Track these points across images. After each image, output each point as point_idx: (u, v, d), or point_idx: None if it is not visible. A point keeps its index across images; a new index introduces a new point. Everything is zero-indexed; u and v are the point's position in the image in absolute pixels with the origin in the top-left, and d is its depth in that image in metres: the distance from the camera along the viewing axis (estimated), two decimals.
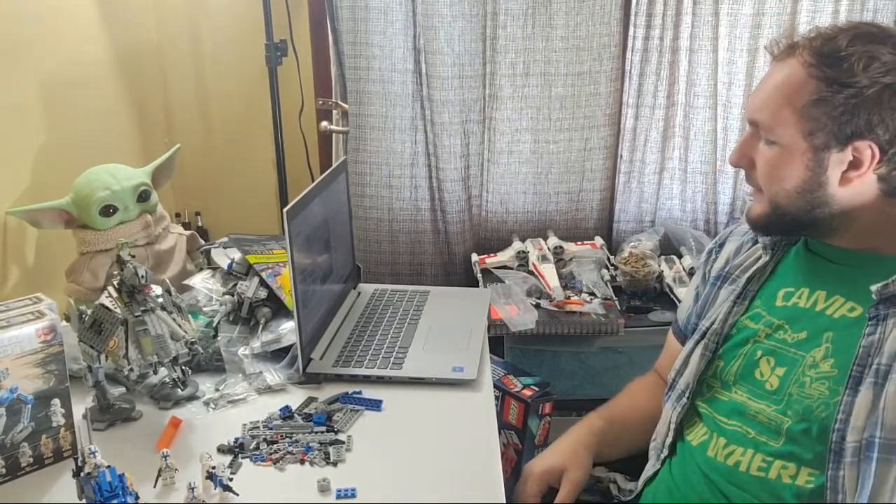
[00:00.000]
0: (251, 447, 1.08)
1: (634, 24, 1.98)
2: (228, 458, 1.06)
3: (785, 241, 1.13)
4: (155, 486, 0.99)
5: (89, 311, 1.13)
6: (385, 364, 1.28)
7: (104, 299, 1.13)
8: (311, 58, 2.13)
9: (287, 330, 1.35)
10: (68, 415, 1.06)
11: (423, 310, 1.49)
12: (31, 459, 1.03)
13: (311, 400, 1.20)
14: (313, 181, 1.49)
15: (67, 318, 1.15)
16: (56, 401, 1.04)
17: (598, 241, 2.05)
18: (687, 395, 1.15)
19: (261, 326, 1.37)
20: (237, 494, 0.98)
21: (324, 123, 2.11)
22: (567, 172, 2.07)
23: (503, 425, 1.51)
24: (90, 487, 0.87)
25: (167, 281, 1.20)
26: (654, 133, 2.06)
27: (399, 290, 1.58)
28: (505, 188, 2.09)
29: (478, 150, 2.06)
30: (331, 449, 1.06)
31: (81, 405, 1.13)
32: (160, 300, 1.15)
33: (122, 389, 1.22)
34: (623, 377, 1.41)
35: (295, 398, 1.21)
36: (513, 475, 1.41)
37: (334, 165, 1.52)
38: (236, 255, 1.50)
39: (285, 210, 1.18)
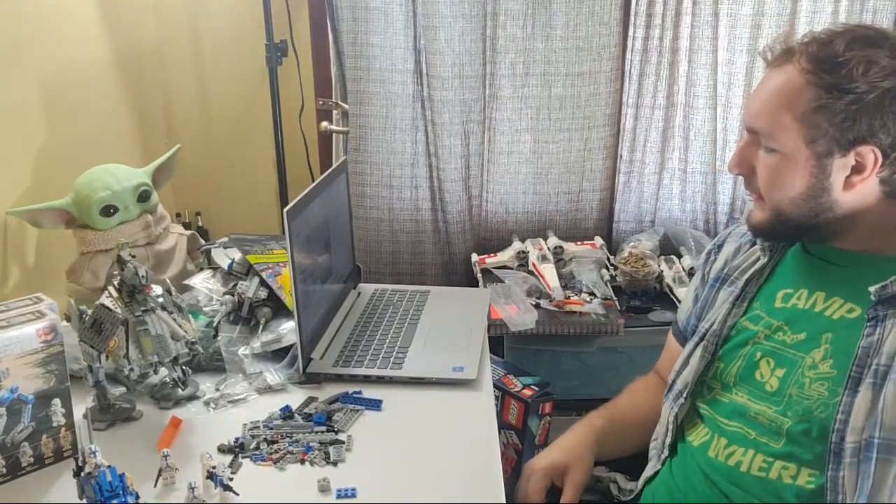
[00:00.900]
0: (251, 447, 1.08)
1: (634, 25, 1.98)
2: (229, 458, 1.06)
3: (783, 242, 1.13)
4: (155, 486, 0.99)
5: (90, 311, 1.13)
6: (385, 364, 1.28)
7: (104, 299, 1.13)
8: (311, 58, 2.13)
9: (287, 330, 1.35)
10: (69, 415, 1.06)
11: (423, 310, 1.49)
12: (32, 459, 1.03)
13: (311, 400, 1.20)
14: (313, 181, 1.49)
15: (68, 318, 1.15)
16: (56, 401, 1.04)
17: (598, 241, 2.05)
18: (685, 395, 1.15)
19: (261, 326, 1.37)
20: (237, 494, 0.98)
21: (324, 123, 2.11)
22: (567, 172, 2.07)
23: (503, 425, 1.51)
24: (90, 487, 0.87)
25: (167, 281, 1.20)
26: (653, 133, 2.07)
27: (399, 290, 1.58)
28: (505, 188, 2.09)
29: (478, 151, 2.06)
30: (331, 449, 1.06)
31: (82, 405, 1.13)
32: (160, 300, 1.15)
33: (123, 389, 1.22)
34: (623, 377, 1.41)
35: (295, 398, 1.21)
36: (513, 475, 1.41)
37: (334, 165, 1.52)
38: (236, 255, 1.50)
39: (285, 210, 1.18)
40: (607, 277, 1.90)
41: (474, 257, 2.03)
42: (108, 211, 1.49)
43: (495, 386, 1.42)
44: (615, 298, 1.82)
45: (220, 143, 2.23)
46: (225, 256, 1.53)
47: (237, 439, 1.09)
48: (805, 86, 0.97)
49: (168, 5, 2.10)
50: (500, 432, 1.37)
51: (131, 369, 1.10)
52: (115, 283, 1.14)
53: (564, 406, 1.62)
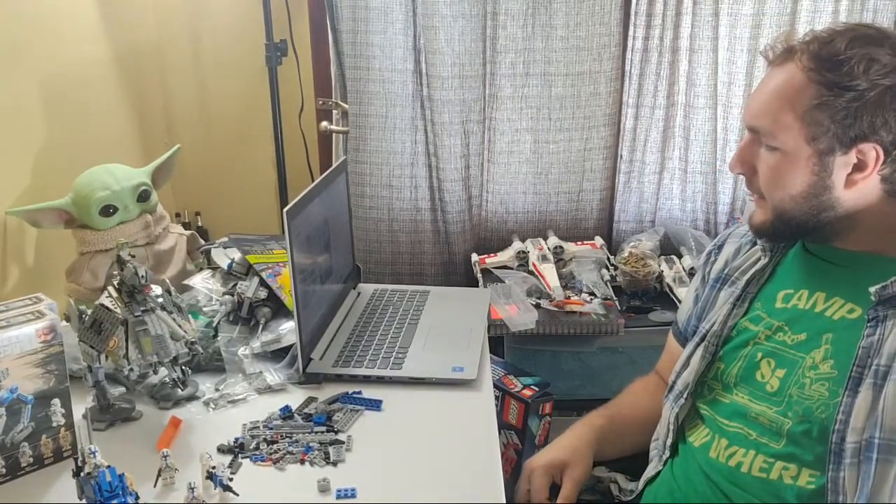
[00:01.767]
0: (251, 447, 1.08)
1: (634, 24, 1.98)
2: (228, 458, 1.06)
3: (784, 243, 1.13)
4: (155, 486, 0.99)
5: (89, 311, 1.13)
6: (385, 364, 1.28)
7: (104, 299, 1.13)
8: (311, 58, 2.13)
9: (287, 330, 1.35)
10: (68, 415, 1.06)
11: (423, 310, 1.49)
12: (31, 459, 1.03)
13: (311, 400, 1.20)
14: (313, 181, 1.49)
15: (67, 318, 1.15)
16: (56, 401, 1.04)
17: (598, 241, 2.05)
18: (685, 395, 1.15)
19: (261, 326, 1.37)
20: (237, 494, 0.98)
21: (324, 123, 2.11)
22: (567, 172, 2.07)
23: (503, 425, 1.51)
24: (90, 487, 0.87)
25: (167, 281, 1.20)
26: (654, 133, 2.07)
27: (399, 290, 1.58)
28: (505, 188, 2.09)
29: (478, 150, 2.06)
30: (331, 449, 1.06)
31: (81, 405, 1.13)
32: (160, 300, 1.15)
33: (122, 389, 1.22)
34: (623, 377, 1.41)
35: (295, 398, 1.21)
36: (513, 475, 1.41)
37: (334, 165, 1.52)
38: (236, 255, 1.50)
39: (285, 210, 1.18)
40: (607, 277, 1.90)
41: (474, 257, 2.03)
42: (108, 211, 1.49)
43: (495, 386, 1.42)
44: (615, 298, 1.82)
45: (220, 143, 2.23)
46: (225, 256, 1.53)
47: (237, 439, 1.09)
48: (806, 84, 0.97)
49: (168, 5, 2.10)
50: (500, 432, 1.37)
51: (131, 369, 1.10)
52: (115, 283, 1.14)
53: (564, 406, 1.62)
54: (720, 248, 1.24)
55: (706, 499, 1.08)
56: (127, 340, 1.09)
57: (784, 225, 1.04)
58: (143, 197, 1.54)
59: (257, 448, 1.08)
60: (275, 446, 1.08)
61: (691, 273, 1.87)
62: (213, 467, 0.98)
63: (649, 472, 1.19)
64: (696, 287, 1.26)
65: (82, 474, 0.89)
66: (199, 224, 2.22)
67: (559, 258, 1.95)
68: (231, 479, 0.99)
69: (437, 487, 1.01)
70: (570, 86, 1.99)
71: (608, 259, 1.98)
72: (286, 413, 1.16)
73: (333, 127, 2.10)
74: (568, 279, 1.89)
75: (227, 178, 2.25)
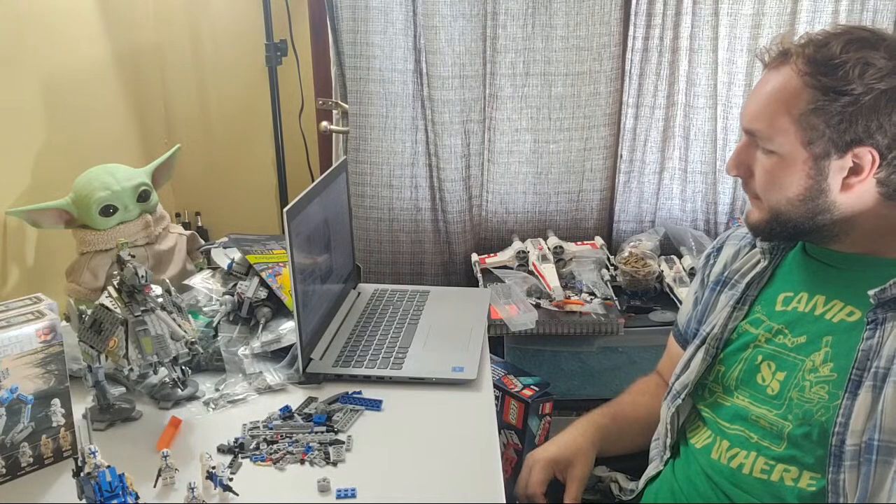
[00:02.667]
0: (251, 447, 1.08)
1: (634, 24, 1.98)
2: (228, 458, 1.06)
3: (783, 245, 1.13)
4: (155, 486, 0.99)
5: (89, 311, 1.13)
6: (385, 364, 1.28)
7: (104, 299, 1.13)
8: (311, 58, 2.13)
9: (287, 330, 1.35)
10: (68, 415, 1.06)
11: (423, 310, 1.49)
12: (31, 459, 1.03)
13: (311, 400, 1.20)
14: (313, 181, 1.49)
15: (67, 318, 1.15)
16: (56, 401, 1.04)
17: (598, 241, 2.05)
18: (682, 396, 1.15)
19: (261, 326, 1.37)
20: (237, 494, 0.98)
21: (324, 123, 2.11)
22: (567, 172, 2.07)
23: (503, 425, 1.51)
24: (90, 487, 0.87)
25: (167, 281, 1.20)
26: (654, 133, 2.06)
27: (399, 290, 1.58)
28: (505, 188, 2.09)
29: (478, 150, 2.06)
30: (331, 449, 1.06)
31: (81, 405, 1.13)
32: (160, 300, 1.15)
33: (122, 389, 1.22)
34: (623, 377, 1.41)
35: (295, 398, 1.21)
36: (513, 475, 1.41)
37: (334, 165, 1.52)
38: (236, 255, 1.50)
39: (285, 210, 1.18)
40: (607, 277, 1.90)
41: (474, 257, 2.03)
42: (108, 211, 1.49)
43: (495, 386, 1.42)
44: (615, 298, 1.82)
45: (220, 143, 2.23)
46: (225, 256, 1.53)
47: (237, 439, 1.09)
48: (802, 88, 0.97)
49: (168, 5, 2.10)
50: (500, 432, 1.37)
51: (131, 369, 1.10)
52: (115, 283, 1.14)
53: (564, 406, 1.62)
54: (719, 250, 1.24)
55: (707, 499, 1.08)
56: (127, 340, 1.09)
57: (780, 226, 1.04)
58: (143, 197, 1.54)
59: (257, 448, 1.08)
60: (275, 446, 1.08)
61: (691, 273, 1.87)
62: (213, 467, 0.98)
63: (650, 471, 1.19)
64: (695, 290, 1.26)
65: (82, 474, 0.89)
66: (199, 224, 2.22)
67: (559, 258, 1.95)
68: (231, 479, 0.99)
69: (437, 487, 1.01)
70: (570, 86, 1.99)
71: (608, 259, 1.98)
72: (286, 413, 1.16)
73: (333, 127, 2.10)
74: (568, 279, 1.89)
75: (227, 178, 2.25)
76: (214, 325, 1.36)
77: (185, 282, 1.52)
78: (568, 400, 1.71)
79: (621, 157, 2.10)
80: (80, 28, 1.80)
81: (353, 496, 0.98)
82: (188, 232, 1.71)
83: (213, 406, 1.19)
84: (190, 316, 1.22)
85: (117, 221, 1.52)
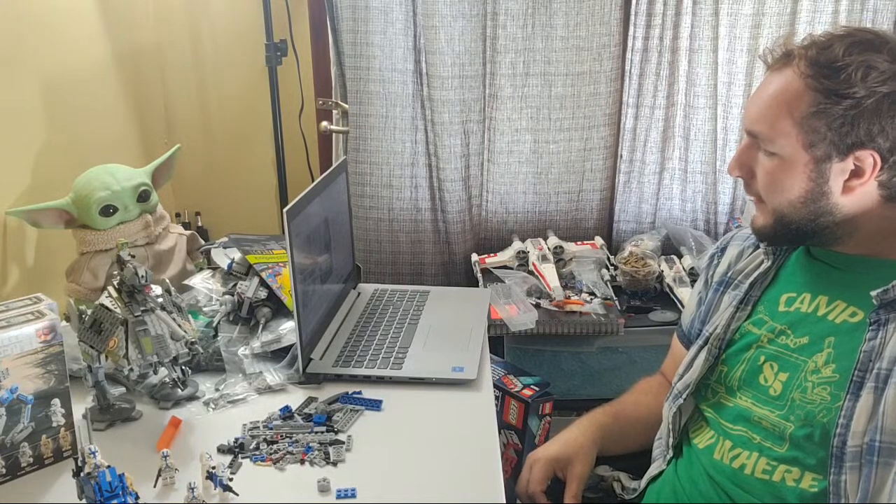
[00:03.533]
0: (251, 447, 1.08)
1: (634, 24, 1.98)
2: (228, 458, 1.06)
3: (786, 247, 1.13)
4: (155, 486, 0.99)
5: (89, 311, 1.13)
6: (385, 364, 1.28)
7: (104, 299, 1.13)
8: (311, 58, 2.13)
9: (287, 330, 1.35)
10: (68, 415, 1.06)
11: (423, 310, 1.49)
12: (31, 459, 1.03)
13: (311, 400, 1.20)
14: (313, 181, 1.49)
15: (67, 318, 1.15)
16: (56, 401, 1.04)
17: (598, 241, 2.05)
18: (684, 395, 1.15)
19: (261, 326, 1.37)
20: (237, 494, 0.98)
21: (324, 123, 2.11)
22: (567, 172, 2.07)
23: (503, 425, 1.51)
24: (90, 487, 0.87)
25: (167, 281, 1.20)
26: (654, 133, 2.07)
27: (399, 290, 1.58)
28: (505, 188, 2.09)
29: (478, 150, 2.06)
30: (331, 449, 1.06)
31: (81, 405, 1.13)
32: (160, 300, 1.15)
33: (122, 389, 1.22)
34: (623, 377, 1.41)
35: (295, 398, 1.21)
36: (513, 475, 1.41)
37: (334, 165, 1.52)
38: (236, 255, 1.50)
39: (285, 210, 1.18)
40: (607, 277, 1.90)
41: (474, 257, 2.03)
42: (108, 211, 1.49)
43: (495, 386, 1.42)
44: (615, 298, 1.82)
45: (220, 143, 2.23)
46: (225, 256, 1.53)
47: (237, 439, 1.09)
48: (804, 90, 0.97)
49: (168, 5, 2.10)
50: (500, 432, 1.37)
51: (131, 369, 1.10)
52: (115, 283, 1.14)
53: (564, 406, 1.62)
54: (723, 251, 1.24)
55: (709, 499, 1.08)
56: (127, 340, 1.09)
57: (784, 229, 1.04)
58: (143, 197, 1.54)
59: (257, 448, 1.08)
60: (275, 446, 1.08)
61: (691, 273, 1.87)
62: (213, 467, 0.98)
63: (652, 471, 1.19)
64: (699, 290, 1.27)
65: (82, 474, 0.89)
66: (199, 224, 2.22)
67: (559, 258, 1.95)
68: (231, 479, 0.99)
69: (437, 487, 1.01)
70: (570, 86, 1.99)
71: (608, 259, 1.98)
72: (286, 413, 1.16)
73: (333, 127, 2.10)
74: (568, 279, 1.89)
75: (227, 178, 2.25)
76: (214, 325, 1.36)
77: (185, 282, 1.52)
78: (568, 400, 1.71)
79: (621, 157, 2.10)
80: (80, 28, 1.80)
81: (353, 496, 0.98)
82: (188, 232, 1.71)
83: (213, 406, 1.19)
84: (190, 316, 1.22)
85: (117, 221, 1.52)
